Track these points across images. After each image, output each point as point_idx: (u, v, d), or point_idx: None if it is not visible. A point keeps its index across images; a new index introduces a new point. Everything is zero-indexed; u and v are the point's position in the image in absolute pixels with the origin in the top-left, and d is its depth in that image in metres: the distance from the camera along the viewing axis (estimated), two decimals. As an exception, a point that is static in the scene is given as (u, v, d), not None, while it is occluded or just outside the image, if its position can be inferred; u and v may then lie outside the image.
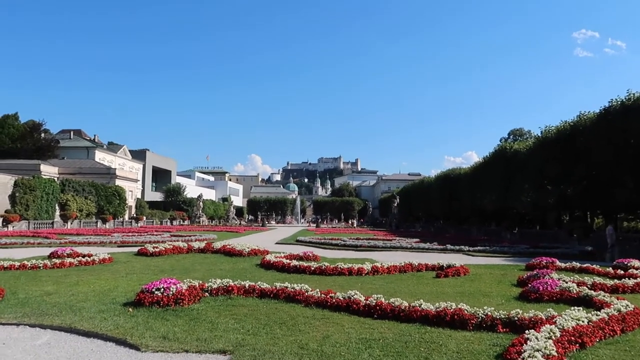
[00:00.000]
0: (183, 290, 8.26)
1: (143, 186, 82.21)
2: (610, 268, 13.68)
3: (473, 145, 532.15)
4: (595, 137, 26.99)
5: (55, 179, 51.78)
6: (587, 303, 8.28)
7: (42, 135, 70.69)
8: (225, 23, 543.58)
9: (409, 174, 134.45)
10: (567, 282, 9.77)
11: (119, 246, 22.71)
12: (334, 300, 8.07)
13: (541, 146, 33.46)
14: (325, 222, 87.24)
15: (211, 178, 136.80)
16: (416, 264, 13.83)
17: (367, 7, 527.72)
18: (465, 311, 6.97)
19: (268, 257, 15.12)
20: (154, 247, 18.14)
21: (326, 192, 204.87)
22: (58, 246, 19.51)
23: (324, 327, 6.76)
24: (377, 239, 29.86)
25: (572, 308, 7.11)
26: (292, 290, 8.81)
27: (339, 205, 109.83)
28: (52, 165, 60.56)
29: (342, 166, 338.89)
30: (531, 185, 33.96)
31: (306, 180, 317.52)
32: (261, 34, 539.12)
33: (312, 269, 12.85)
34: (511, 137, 77.77)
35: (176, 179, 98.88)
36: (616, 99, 26.56)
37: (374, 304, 7.64)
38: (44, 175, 51.62)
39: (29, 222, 40.84)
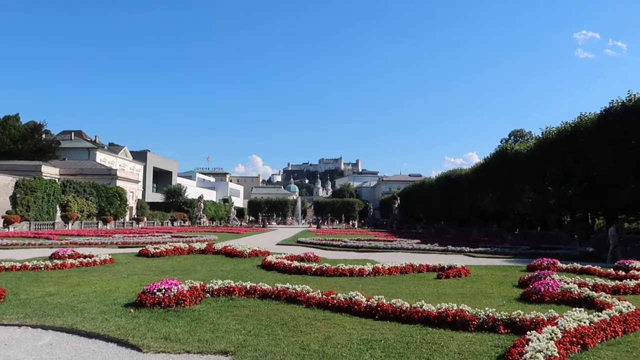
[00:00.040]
0: (184, 291, 8.26)
1: (144, 187, 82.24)
2: (612, 269, 13.67)
3: (474, 146, 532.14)
4: (596, 138, 26.99)
5: (56, 180, 51.82)
6: (589, 304, 8.28)
7: (43, 136, 70.75)
8: (225, 24, 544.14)
9: (409, 175, 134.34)
10: (568, 283, 9.77)
11: (120, 247, 22.72)
12: (335, 301, 8.08)
13: (542, 147, 33.46)
14: (326, 223, 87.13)
15: (212, 179, 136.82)
16: (417, 265, 13.83)
17: (367, 7, 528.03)
18: (467, 312, 6.97)
19: (269, 258, 15.12)
20: (155, 248, 18.16)
21: (327, 193, 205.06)
22: (59, 247, 19.52)
23: (325, 328, 6.77)
24: (378, 240, 29.86)
25: (574, 309, 7.12)
26: (294, 291, 8.81)
27: (340, 206, 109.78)
28: (53, 166, 60.62)
29: (342, 167, 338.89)
30: (532, 186, 33.96)
31: (307, 181, 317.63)
32: (262, 35, 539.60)
33: (313, 270, 12.86)
34: (512, 138, 77.85)
35: (177, 180, 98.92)
36: (617, 100, 26.56)
37: (375, 305, 7.64)
38: (45, 176, 51.68)
39: (30, 223, 40.87)
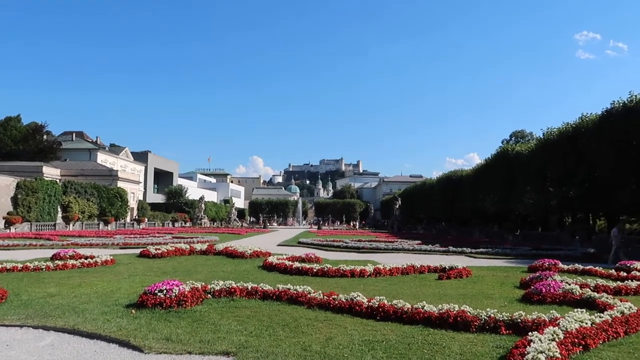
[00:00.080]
0: (186, 292, 8.26)
1: (145, 188, 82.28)
2: (613, 270, 13.64)
3: (475, 147, 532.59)
4: (597, 139, 26.95)
5: (58, 180, 51.85)
6: (590, 305, 8.27)
7: (45, 137, 70.89)
8: (226, 25, 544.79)
9: (410, 176, 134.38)
10: (570, 284, 9.75)
11: (121, 248, 22.73)
12: (336, 302, 8.07)
13: (543, 148, 33.42)
14: (326, 224, 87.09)
15: (213, 180, 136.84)
16: (418, 266, 13.82)
17: (368, 8, 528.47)
18: (468, 313, 6.96)
19: (270, 259, 15.12)
20: (156, 249, 18.17)
21: (328, 194, 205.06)
22: (60, 248, 19.53)
23: (326, 329, 6.76)
24: (379, 240, 29.84)
25: (575, 310, 7.11)
26: (295, 292, 8.81)
27: (341, 207, 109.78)
28: (54, 167, 60.70)
29: (343, 168, 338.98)
30: (533, 187, 33.92)
31: (308, 182, 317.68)
32: (262, 35, 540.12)
33: (315, 270, 12.85)
34: (513, 139, 77.85)
35: (178, 181, 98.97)
36: (618, 101, 26.51)
37: (376, 305, 7.64)
38: (46, 177, 51.74)
39: (31, 224, 40.91)
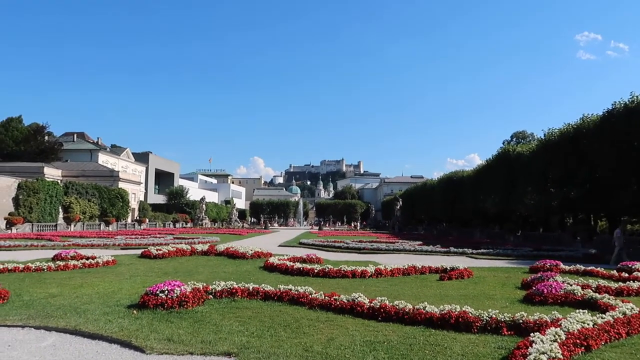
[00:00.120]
0: (187, 293, 8.26)
1: (146, 189, 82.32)
2: (615, 271, 13.63)
3: (476, 148, 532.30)
4: (599, 140, 26.93)
5: (59, 181, 51.92)
6: (592, 306, 8.25)
7: (46, 138, 70.97)
8: (227, 25, 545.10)
9: (411, 177, 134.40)
10: (571, 285, 9.73)
11: (122, 248, 22.74)
12: (338, 303, 8.07)
13: (544, 149, 33.40)
14: (327, 225, 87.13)
15: (214, 181, 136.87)
16: (419, 267, 13.81)
17: (369, 9, 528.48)
18: (470, 314, 6.95)
19: (271, 260, 15.12)
20: (157, 250, 18.17)
21: (329, 195, 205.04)
22: (62, 249, 19.53)
23: (328, 330, 6.76)
24: (380, 241, 29.82)
25: (577, 311, 7.09)
26: (296, 292, 8.81)
27: (342, 208, 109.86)
28: (56, 168, 60.76)
29: (344, 169, 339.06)
30: (534, 187, 33.89)
31: (309, 182, 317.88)
32: (263, 36, 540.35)
33: (316, 271, 12.85)
34: (514, 139, 77.74)
35: (179, 182, 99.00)
36: (619, 102, 26.50)
37: (378, 306, 7.64)
38: (48, 177, 51.78)
39: (32, 225, 40.96)
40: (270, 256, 17.00)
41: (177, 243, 23.10)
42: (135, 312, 7.68)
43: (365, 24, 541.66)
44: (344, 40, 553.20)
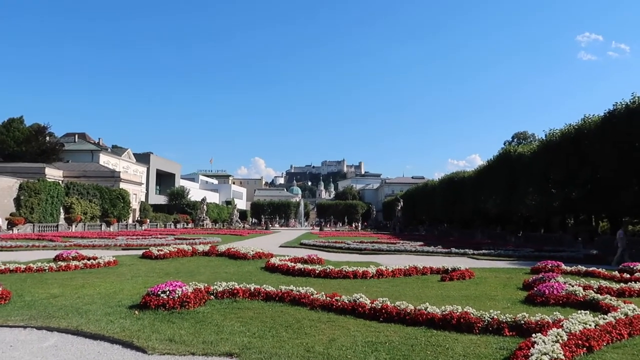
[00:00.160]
0: (189, 293, 8.27)
1: (147, 189, 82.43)
2: (616, 272, 13.62)
3: (477, 149, 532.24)
4: (600, 141, 26.91)
5: (60, 182, 51.98)
6: (594, 307, 8.24)
7: (47, 138, 71.06)
8: (228, 27, 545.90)
9: (412, 177, 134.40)
10: (573, 286, 9.72)
11: (123, 249, 22.75)
12: (339, 304, 8.07)
13: (545, 149, 33.37)
14: (328, 226, 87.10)
15: (215, 181, 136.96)
16: (421, 268, 13.80)
17: (370, 10, 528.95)
18: (471, 314, 6.94)
19: (272, 260, 15.12)
20: (158, 250, 18.18)
21: (330, 196, 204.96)
22: (63, 249, 19.55)
23: (329, 330, 6.76)
24: (381, 242, 29.81)
25: (579, 312, 7.08)
26: (298, 293, 8.81)
27: (343, 209, 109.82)
28: (57, 169, 60.84)
29: (345, 169, 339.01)
30: (535, 188, 33.85)
31: (310, 183, 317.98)
32: (264, 37, 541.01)
33: (317, 272, 12.85)
34: (515, 140, 77.64)
35: (180, 182, 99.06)
36: (621, 102, 26.49)
37: (379, 307, 7.63)
38: (49, 178, 51.83)
39: (33, 225, 41.00)
40: (272, 257, 17.01)
41: (179, 244, 23.12)
42: (136, 312, 7.69)
43: (366, 25, 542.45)
44: (345, 40, 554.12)
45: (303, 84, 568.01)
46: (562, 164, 30.61)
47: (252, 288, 9.23)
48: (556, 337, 5.67)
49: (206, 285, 9.30)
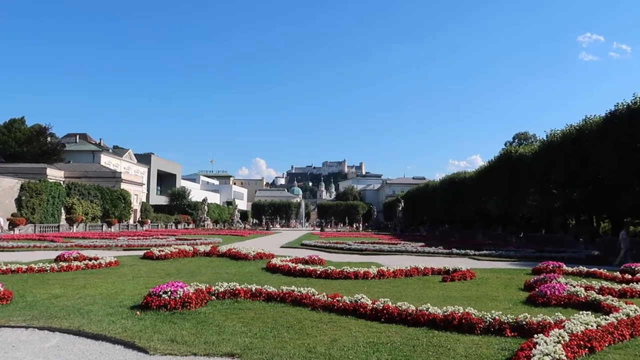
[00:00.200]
0: (190, 294, 8.27)
1: (148, 190, 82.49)
2: (618, 272, 13.60)
3: (478, 149, 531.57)
4: (601, 141, 26.88)
5: (61, 182, 52.02)
6: (596, 307, 8.23)
7: (48, 139, 71.09)
8: (229, 27, 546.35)
9: (413, 178, 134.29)
10: (574, 287, 9.71)
11: (124, 250, 22.76)
12: (340, 304, 8.07)
13: (547, 150, 33.34)
14: (329, 226, 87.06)
15: (216, 182, 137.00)
16: (422, 268, 13.79)
17: (370, 10, 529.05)
18: (473, 315, 6.94)
19: (274, 261, 15.12)
20: (159, 251, 18.19)
21: (330, 196, 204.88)
22: (64, 249, 19.57)
23: (331, 331, 6.76)
24: (382, 242, 29.80)
25: (581, 312, 7.07)
26: (299, 293, 8.81)
27: (344, 209, 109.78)
28: (58, 169, 60.91)
29: (346, 170, 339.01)
30: (537, 189, 33.83)
31: (310, 184, 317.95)
32: (265, 37, 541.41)
33: (318, 272, 12.85)
34: (516, 141, 77.62)
35: (181, 183, 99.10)
36: (622, 103, 26.47)
37: (381, 307, 7.63)
38: (50, 179, 51.88)
39: (35, 226, 41.03)
40: (273, 257, 17.01)
41: (180, 244, 23.12)
42: (138, 313, 7.70)
43: (366, 25, 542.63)
44: (345, 40, 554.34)
45: (303, 84, 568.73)
46: (563, 165, 30.58)
47: (253, 288, 9.23)
48: (558, 337, 5.67)
49: (207, 285, 9.31)
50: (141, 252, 19.40)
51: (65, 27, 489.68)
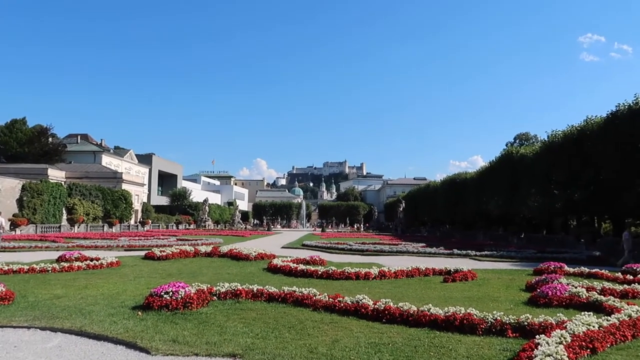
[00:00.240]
0: (192, 294, 8.28)
1: (149, 190, 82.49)
2: (619, 273, 13.58)
3: (479, 150, 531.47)
4: (603, 142, 26.86)
5: (63, 183, 52.10)
6: (597, 308, 8.23)
7: (50, 139, 71.13)
8: (230, 28, 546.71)
9: (414, 179, 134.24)
10: (576, 287, 9.71)
11: (126, 250, 22.78)
12: (342, 305, 8.07)
13: (548, 151, 33.32)
14: (330, 227, 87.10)
15: (217, 182, 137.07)
16: (423, 269, 13.79)
17: (370, 10, 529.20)
18: (475, 316, 6.94)
19: (275, 261, 15.13)
20: (161, 251, 18.20)
21: (331, 197, 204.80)
22: (66, 250, 19.59)
23: (332, 331, 6.76)
24: (383, 243, 29.79)
25: (582, 313, 7.07)
26: (300, 294, 8.81)
27: (345, 210, 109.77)
28: (60, 170, 60.96)
29: (347, 170, 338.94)
30: (538, 189, 33.80)
31: (311, 184, 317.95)
32: (266, 38, 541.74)
33: (319, 273, 12.85)
34: (517, 141, 77.64)
35: (182, 183, 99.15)
36: (623, 103, 26.44)
37: (382, 308, 7.63)
38: (52, 179, 51.96)
39: (36, 226, 41.08)
40: (274, 258, 17.02)
41: (181, 244, 23.13)
42: (140, 313, 7.70)
43: (366, 25, 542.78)
44: (345, 40, 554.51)
45: (303, 84, 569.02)
46: (565, 165, 30.55)
47: (254, 289, 9.24)
48: (560, 338, 5.67)
49: (209, 286, 9.32)
50: (142, 253, 19.41)
51: (65, 27, 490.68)
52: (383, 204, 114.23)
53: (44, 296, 9.28)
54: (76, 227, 45.91)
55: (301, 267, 13.76)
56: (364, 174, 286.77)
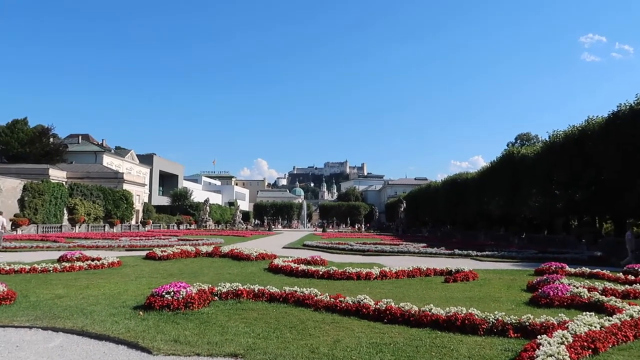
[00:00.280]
0: (193, 294, 8.28)
1: (150, 190, 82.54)
2: (621, 273, 13.57)
3: (480, 150, 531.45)
4: (604, 142, 26.82)
5: (64, 183, 52.18)
6: (599, 308, 8.21)
7: (51, 139, 71.24)
8: (231, 28, 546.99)
9: (415, 179, 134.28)
10: (577, 288, 9.69)
11: (127, 250, 22.80)
12: (343, 305, 8.07)
13: (549, 151, 33.28)
14: (331, 227, 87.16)
15: (218, 182, 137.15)
16: (424, 269, 13.78)
17: (370, 10, 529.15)
18: (476, 316, 6.93)
19: (276, 262, 15.13)
20: (162, 251, 18.21)
21: (332, 197, 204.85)
22: (67, 250, 19.60)
23: (334, 332, 6.76)
24: (384, 243, 29.78)
25: (584, 313, 7.07)
26: (301, 294, 8.81)
27: (345, 210, 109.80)
28: (61, 170, 61.04)
29: (348, 171, 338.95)
30: (539, 190, 33.76)
31: (312, 184, 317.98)
32: (267, 38, 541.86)
33: (321, 273, 12.85)
34: (518, 141, 77.58)
35: (183, 184, 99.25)
36: (625, 104, 26.38)
37: (383, 308, 7.63)
38: (53, 179, 52.02)
39: (37, 226, 41.14)
40: (275, 258, 17.03)
41: (182, 244, 23.15)
42: (141, 313, 7.71)
43: (366, 25, 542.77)
44: (345, 41, 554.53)
45: (303, 84, 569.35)
46: (566, 166, 30.52)
47: (256, 289, 9.24)
48: (561, 338, 5.66)
49: (210, 286, 9.32)
50: (143, 253, 19.43)
51: (65, 27, 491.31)
52: (384, 204, 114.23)
53: (45, 296, 9.29)
54: (77, 227, 45.96)
55: (302, 267, 13.76)
56: (365, 174, 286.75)
